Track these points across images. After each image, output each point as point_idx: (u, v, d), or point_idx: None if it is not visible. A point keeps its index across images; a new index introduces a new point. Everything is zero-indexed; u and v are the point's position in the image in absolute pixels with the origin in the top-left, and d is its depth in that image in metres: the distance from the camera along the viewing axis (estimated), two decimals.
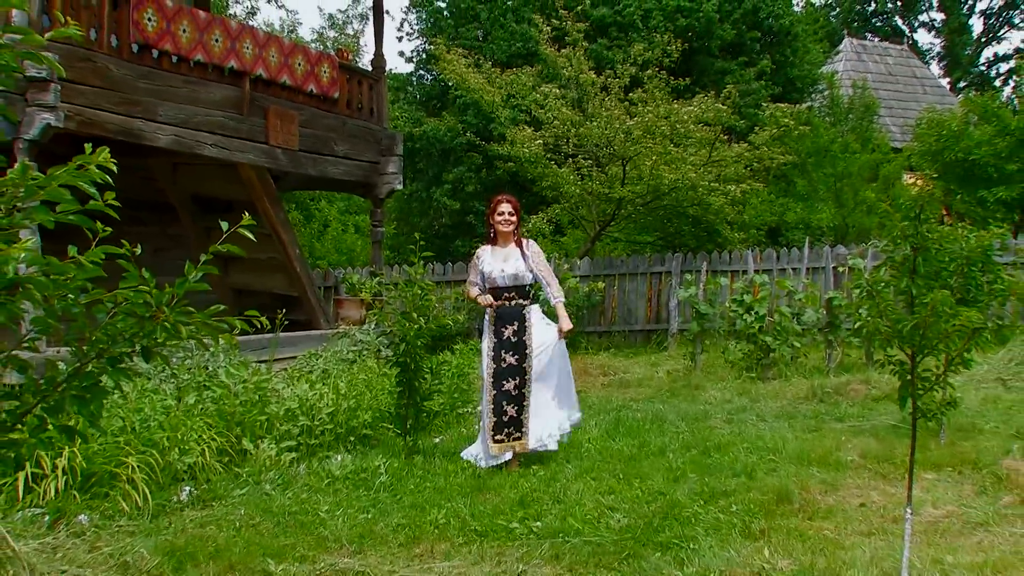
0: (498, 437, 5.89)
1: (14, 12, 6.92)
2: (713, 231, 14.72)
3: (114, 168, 2.33)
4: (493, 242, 6.18)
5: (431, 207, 19.13)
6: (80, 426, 2.51)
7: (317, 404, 6.48)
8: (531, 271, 6.10)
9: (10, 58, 2.15)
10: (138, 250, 2.39)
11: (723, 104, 13.52)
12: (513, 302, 6.05)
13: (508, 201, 6.17)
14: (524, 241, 6.23)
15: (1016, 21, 36.05)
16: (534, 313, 6.12)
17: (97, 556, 4.06)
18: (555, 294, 6.18)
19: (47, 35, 2.50)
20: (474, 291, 6.18)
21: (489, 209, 6.22)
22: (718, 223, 14.47)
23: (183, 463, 5.37)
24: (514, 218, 6.15)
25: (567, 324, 6.18)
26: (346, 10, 32.23)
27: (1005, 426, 6.60)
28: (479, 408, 6.16)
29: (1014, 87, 30.48)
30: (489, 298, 6.03)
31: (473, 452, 6.05)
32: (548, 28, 14.58)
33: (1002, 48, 52.25)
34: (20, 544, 3.66)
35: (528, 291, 6.14)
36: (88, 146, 2.38)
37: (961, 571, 3.71)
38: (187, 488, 5.19)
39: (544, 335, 6.08)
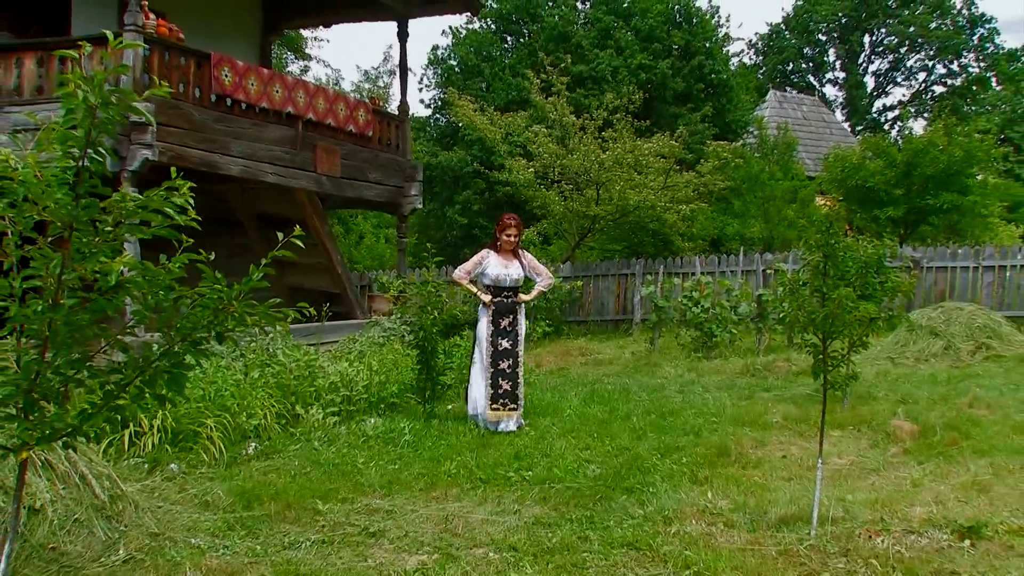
0: (494, 406, 5.81)
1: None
2: (668, 241, 14.69)
3: (191, 200, 2.41)
4: (497, 250, 6.03)
5: (444, 222, 19.11)
6: (169, 394, 2.52)
7: (355, 378, 6.46)
8: (527, 272, 6.08)
9: (116, 112, 2.24)
10: (212, 256, 2.41)
11: (676, 141, 13.56)
12: (510, 299, 5.99)
13: (515, 224, 6.02)
14: (520, 251, 6.15)
15: (899, 80, 36.79)
16: (522, 308, 6.10)
17: (185, 496, 4.09)
18: (544, 281, 6.20)
19: (145, 93, 2.56)
20: (466, 279, 6.01)
21: (498, 225, 6.04)
22: (672, 235, 14.45)
23: (249, 424, 5.37)
24: (517, 237, 6.06)
25: (526, 296, 6.08)
26: (378, 67, 32.04)
27: (893, 394, 6.64)
28: (469, 382, 6.02)
29: (899, 130, 30.92)
30: (488, 297, 5.95)
31: (471, 414, 5.96)
32: (537, 81, 14.57)
33: (889, 100, 52.73)
34: (126, 486, 3.68)
35: (519, 290, 6.11)
36: (173, 170, 2.44)
37: (859, 506, 3.74)
38: (253, 444, 5.19)
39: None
